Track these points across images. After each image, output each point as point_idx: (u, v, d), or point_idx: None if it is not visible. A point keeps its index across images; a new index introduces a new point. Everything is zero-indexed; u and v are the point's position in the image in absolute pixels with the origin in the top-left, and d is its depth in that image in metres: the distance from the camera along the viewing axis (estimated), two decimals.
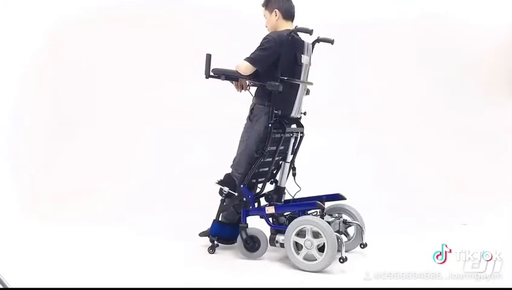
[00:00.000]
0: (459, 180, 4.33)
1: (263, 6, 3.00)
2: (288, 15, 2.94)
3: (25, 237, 3.30)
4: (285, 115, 2.89)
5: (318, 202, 2.75)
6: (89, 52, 4.55)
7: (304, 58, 2.94)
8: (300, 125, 3.08)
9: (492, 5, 4.68)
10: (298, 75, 2.91)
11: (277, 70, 2.78)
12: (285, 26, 2.91)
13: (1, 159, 4.18)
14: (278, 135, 2.87)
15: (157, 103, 4.55)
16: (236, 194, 2.86)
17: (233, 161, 2.95)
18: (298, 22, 2.93)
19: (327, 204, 2.99)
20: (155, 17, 4.58)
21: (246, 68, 2.80)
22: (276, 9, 2.91)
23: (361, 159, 4.50)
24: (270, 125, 2.80)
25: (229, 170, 2.96)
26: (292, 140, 3.01)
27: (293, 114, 2.98)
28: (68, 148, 4.43)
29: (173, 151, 4.42)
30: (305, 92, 3.06)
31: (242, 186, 2.85)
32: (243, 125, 2.95)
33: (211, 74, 2.90)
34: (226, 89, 3.04)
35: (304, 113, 3.09)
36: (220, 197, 2.92)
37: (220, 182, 2.90)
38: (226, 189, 2.87)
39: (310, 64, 3.04)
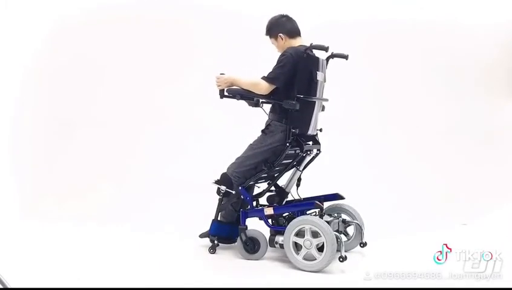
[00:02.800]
0: (459, 180, 4.33)
1: (267, 35, 2.97)
2: (294, 33, 2.91)
3: (25, 237, 3.30)
4: (302, 132, 2.86)
5: (317, 202, 2.75)
6: (89, 53, 4.55)
7: (320, 75, 2.90)
8: (316, 142, 3.07)
9: (492, 5, 4.67)
10: (314, 92, 2.87)
11: (294, 89, 2.75)
12: (297, 43, 2.88)
13: (1, 159, 4.19)
14: (292, 152, 2.86)
15: (156, 103, 4.55)
16: (233, 192, 2.86)
17: (236, 159, 2.92)
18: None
19: (326, 204, 3.00)
20: (155, 17, 4.57)
21: (265, 87, 2.76)
22: (280, 34, 2.89)
23: (361, 159, 4.49)
24: (287, 144, 2.77)
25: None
26: (307, 156, 3.00)
27: (310, 131, 2.95)
28: (67, 148, 4.43)
29: (173, 151, 4.42)
30: (321, 108, 3.05)
31: (240, 187, 2.85)
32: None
33: (225, 93, 2.88)
34: None
35: (320, 130, 3.07)
36: (218, 197, 2.92)
37: (217, 182, 2.90)
38: (223, 188, 2.87)
39: (325, 81, 3.01)
